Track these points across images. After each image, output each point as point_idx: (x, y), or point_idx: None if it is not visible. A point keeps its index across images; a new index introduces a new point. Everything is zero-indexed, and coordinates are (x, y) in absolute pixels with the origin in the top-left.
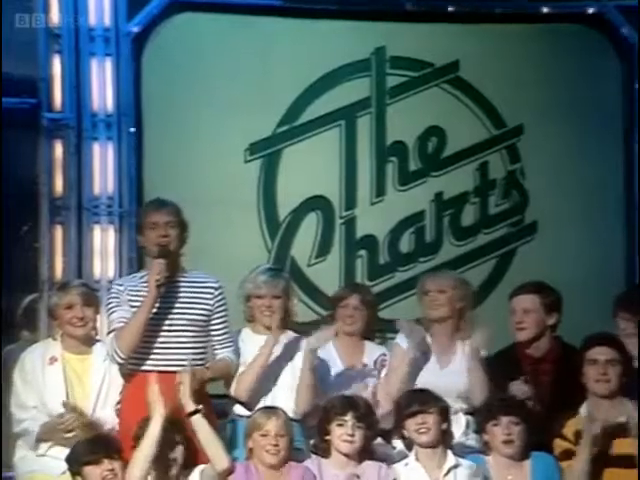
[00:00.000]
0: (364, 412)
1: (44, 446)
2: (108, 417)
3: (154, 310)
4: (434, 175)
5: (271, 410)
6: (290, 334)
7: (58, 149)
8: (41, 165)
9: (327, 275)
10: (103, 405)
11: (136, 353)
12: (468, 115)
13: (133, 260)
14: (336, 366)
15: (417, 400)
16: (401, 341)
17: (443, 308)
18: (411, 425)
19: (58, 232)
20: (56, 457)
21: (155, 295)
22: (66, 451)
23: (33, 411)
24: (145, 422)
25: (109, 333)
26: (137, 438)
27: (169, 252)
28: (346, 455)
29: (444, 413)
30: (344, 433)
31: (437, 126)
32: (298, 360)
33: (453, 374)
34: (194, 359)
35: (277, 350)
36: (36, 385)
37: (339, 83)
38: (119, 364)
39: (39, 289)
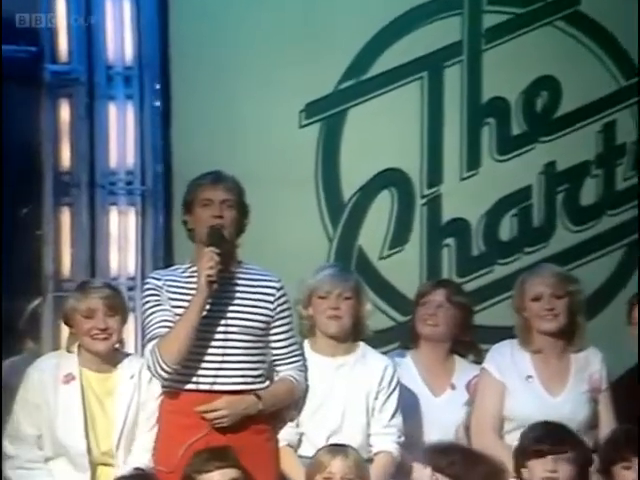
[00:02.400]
0: (456, 461)
1: None
2: (138, 453)
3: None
4: (544, 140)
5: (338, 448)
6: (364, 349)
7: (64, 111)
8: (43, 131)
9: (404, 270)
10: (129, 434)
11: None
12: (590, 61)
13: (159, 251)
14: (417, 387)
15: (548, 437)
16: (490, 366)
17: (560, 318)
18: (537, 470)
19: (65, 216)
20: None
21: (207, 294)
22: None
23: (31, 445)
24: (199, 457)
25: (149, 341)
26: (188, 478)
27: (223, 239)
28: None
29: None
30: None
31: (549, 76)
32: (374, 384)
33: (569, 402)
34: (249, 377)
35: (346, 372)
36: (45, 409)
37: (420, 25)
38: (163, 379)
39: (42, 288)
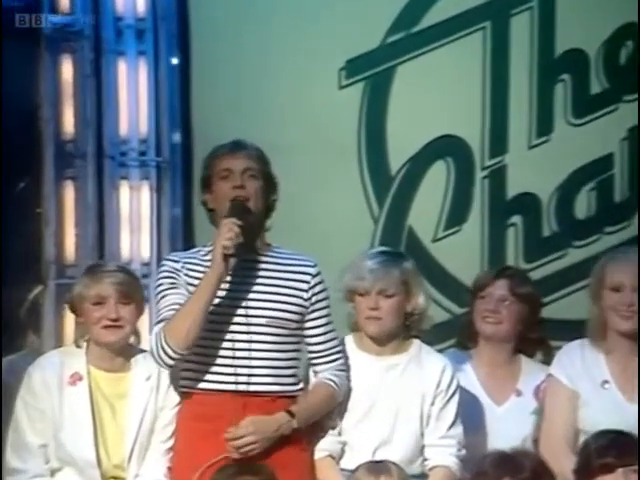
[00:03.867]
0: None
1: None
2: (152, 466)
3: (218, 301)
4: (628, 99)
5: (379, 465)
6: (418, 348)
7: (67, 69)
8: (42, 93)
9: (462, 254)
10: (144, 445)
11: (193, 364)
12: None
13: (177, 232)
14: (476, 394)
15: (613, 447)
16: (558, 372)
17: None
18: None
19: (68, 191)
20: None
21: (222, 270)
22: None
23: (39, 457)
24: (225, 471)
25: (157, 324)
26: None
27: (246, 210)
28: None
29: None
30: None
31: (634, 23)
32: (430, 388)
33: None
34: (280, 377)
35: (398, 373)
36: (49, 414)
37: None
38: (168, 366)
39: (42, 275)
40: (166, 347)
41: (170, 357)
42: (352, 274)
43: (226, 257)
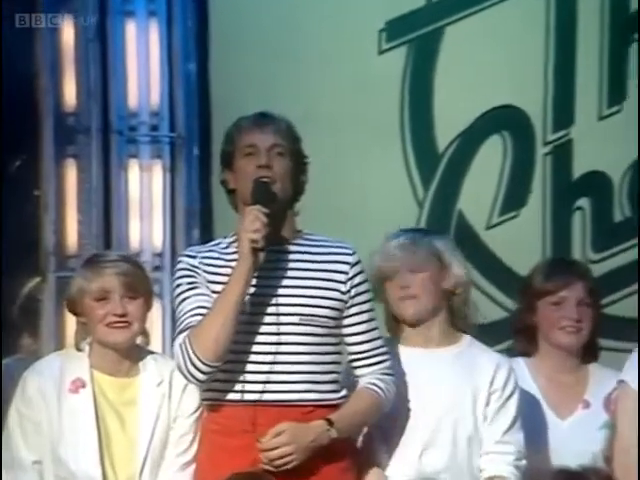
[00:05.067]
0: None
1: None
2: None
3: (245, 297)
4: None
5: None
6: (469, 341)
7: (67, 33)
8: (40, 59)
9: (520, 243)
10: (156, 459)
11: (217, 373)
12: None
13: (193, 219)
14: (536, 406)
15: None
16: (631, 379)
17: None
18: None
19: (70, 171)
20: None
21: (250, 265)
22: None
23: (35, 476)
24: None
25: (180, 333)
26: None
27: (272, 195)
28: None
29: None
30: None
31: None
32: (483, 387)
33: None
34: (318, 384)
35: (446, 368)
36: (47, 426)
37: None
38: (199, 381)
39: (40, 266)
40: (195, 360)
41: (201, 371)
42: (380, 255)
43: (254, 251)
